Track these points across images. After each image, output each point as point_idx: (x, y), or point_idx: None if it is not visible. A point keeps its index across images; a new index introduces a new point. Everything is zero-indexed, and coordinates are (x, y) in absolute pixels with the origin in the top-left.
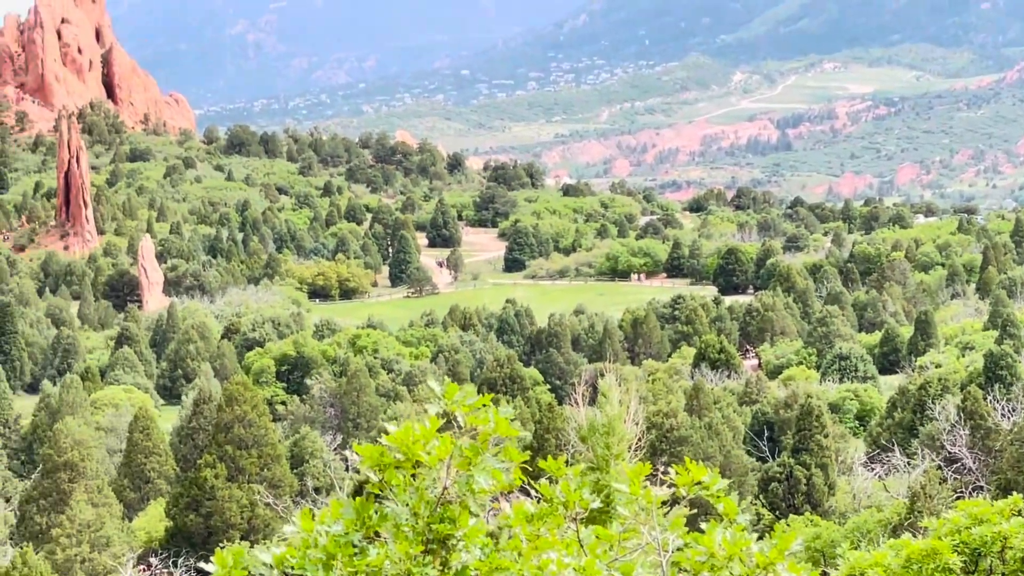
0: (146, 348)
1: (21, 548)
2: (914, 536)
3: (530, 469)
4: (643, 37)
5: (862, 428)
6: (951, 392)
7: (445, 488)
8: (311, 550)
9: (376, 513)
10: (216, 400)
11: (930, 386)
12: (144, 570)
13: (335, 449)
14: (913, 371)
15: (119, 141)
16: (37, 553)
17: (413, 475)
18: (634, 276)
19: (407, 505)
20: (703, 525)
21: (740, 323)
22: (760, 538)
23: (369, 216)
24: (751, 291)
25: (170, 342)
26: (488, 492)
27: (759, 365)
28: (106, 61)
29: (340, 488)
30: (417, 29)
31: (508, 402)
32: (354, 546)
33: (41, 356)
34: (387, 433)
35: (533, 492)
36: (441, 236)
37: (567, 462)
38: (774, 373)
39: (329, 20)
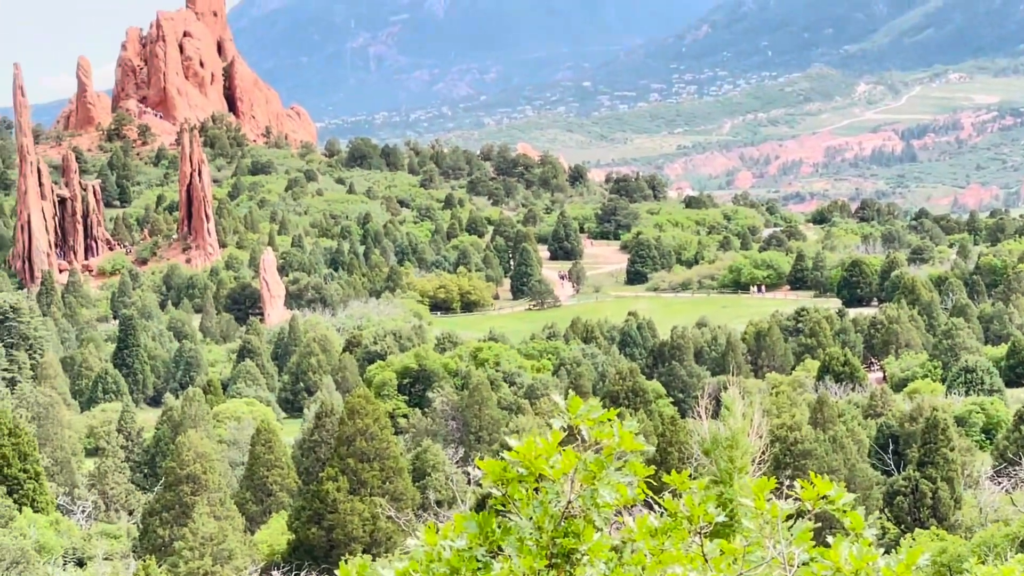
0: (268, 361)
1: (144, 561)
2: None
3: (654, 483)
4: (766, 48)
5: (988, 441)
6: None
7: (569, 502)
8: (434, 564)
9: (499, 527)
10: (338, 413)
11: None
12: None
13: (457, 462)
14: None
15: (241, 154)
16: (160, 566)
17: (536, 489)
18: (753, 288)
19: (531, 519)
20: (828, 539)
21: (864, 336)
22: (886, 553)
23: (491, 229)
24: (875, 303)
25: (292, 355)
26: (612, 506)
27: (884, 378)
28: (228, 74)
29: (462, 502)
30: (539, 41)
31: (631, 415)
32: (478, 561)
33: (164, 369)
34: (509, 447)
35: (657, 506)
36: (563, 248)
37: (691, 476)
38: (899, 386)
39: (451, 33)
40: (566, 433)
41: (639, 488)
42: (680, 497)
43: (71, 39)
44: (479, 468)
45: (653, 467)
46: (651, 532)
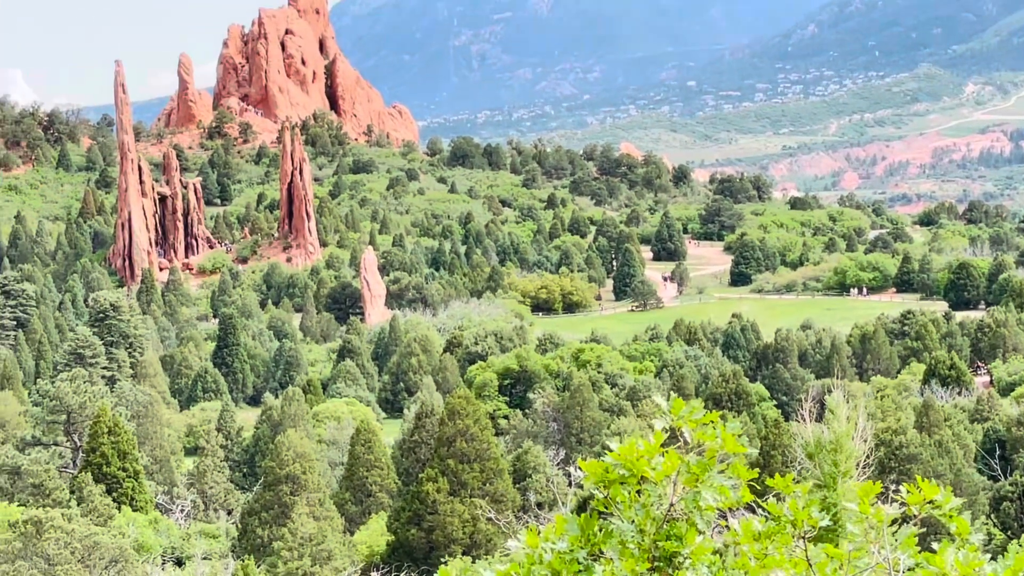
0: (368, 361)
1: (243, 561)
2: None
3: (757, 486)
4: (872, 48)
5: None
6: None
7: (671, 504)
8: (535, 567)
9: (601, 530)
10: (438, 414)
11: None
12: None
13: (558, 464)
14: None
15: (342, 153)
16: (259, 566)
17: (638, 491)
18: (854, 290)
19: (632, 522)
20: (934, 545)
21: (971, 339)
22: (993, 559)
23: (593, 229)
24: (983, 307)
25: (392, 355)
26: (715, 509)
27: (991, 382)
28: (330, 72)
29: (563, 504)
30: (643, 40)
31: (734, 418)
32: (579, 563)
33: (263, 368)
34: (611, 449)
35: (760, 510)
36: (666, 249)
37: (794, 479)
38: (1006, 390)
39: (555, 31)
40: (668, 435)
41: (742, 491)
42: (784, 501)
43: (173, 37)
44: (580, 469)
45: (756, 470)
46: (754, 536)
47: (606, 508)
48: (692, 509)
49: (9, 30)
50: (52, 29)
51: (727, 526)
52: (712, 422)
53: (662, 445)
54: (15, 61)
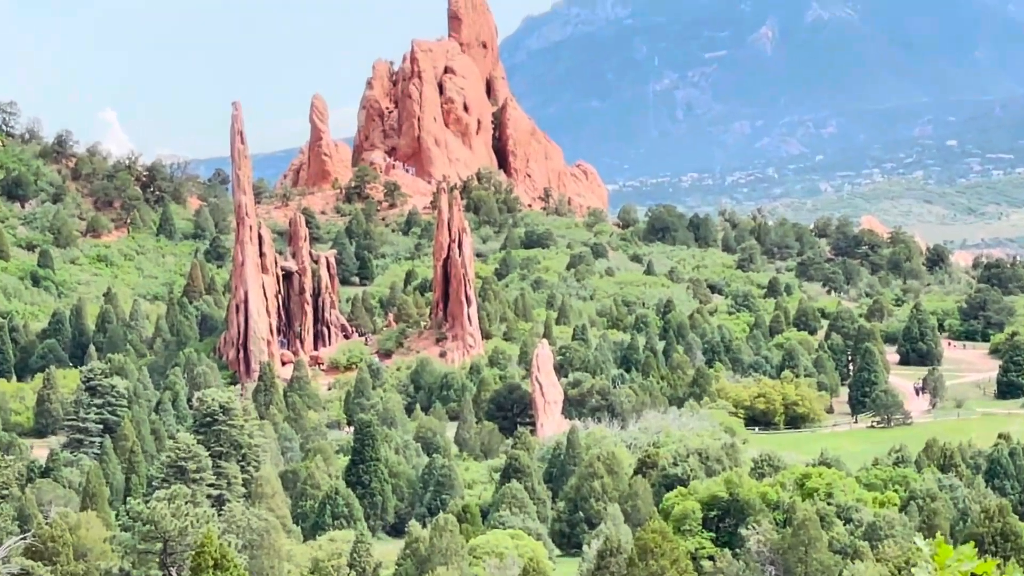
0: (539, 483)
1: None
2: None
3: None
4: None
5: None
6: None
7: None
8: None
9: None
10: (626, 552)
11: None
12: None
13: None
14: None
15: (512, 222)
16: None
17: None
18: None
19: None
20: None
21: None
22: None
23: (825, 323)
24: None
25: (570, 476)
26: None
27: None
28: (498, 121)
29: None
30: (892, 87)
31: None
32: None
33: (408, 490)
34: None
35: None
36: (916, 351)
37: None
38: None
39: (780, 75)
40: None
41: None
42: None
43: (304, 75)
44: None
45: None
46: None
47: None
48: None
49: (101, 63)
50: (154, 63)
51: None
52: (985, 573)
53: None
54: (109, 99)
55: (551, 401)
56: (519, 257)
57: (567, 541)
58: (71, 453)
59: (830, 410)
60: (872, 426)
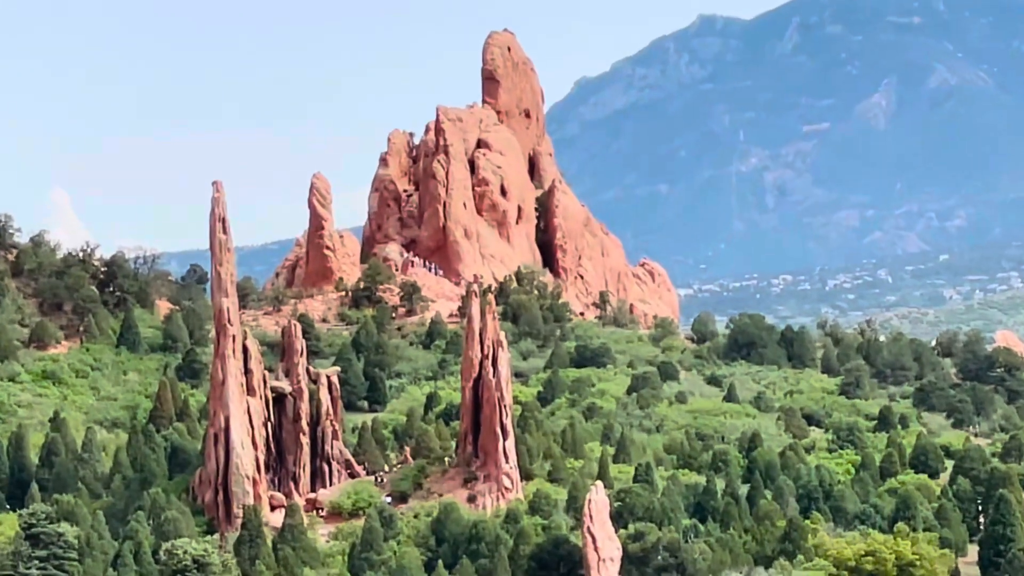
0: None
1: None
2: None
3: None
4: None
5: None
6: None
7: None
8: None
9: None
10: None
11: None
12: None
13: None
14: None
15: (560, 334)
16: None
17: None
18: None
19: None
20: None
21: None
22: None
23: (950, 464)
24: None
25: None
26: None
27: None
28: (543, 208)
29: None
30: None
31: None
32: None
33: None
34: None
35: None
36: None
37: None
38: None
39: (896, 154)
40: None
41: None
42: None
43: (301, 146)
44: None
45: None
46: None
47: None
48: None
49: (49, 131)
50: (115, 133)
51: None
52: None
53: None
54: (59, 177)
55: (607, 558)
56: (568, 378)
57: None
58: None
59: (955, 573)
60: None
